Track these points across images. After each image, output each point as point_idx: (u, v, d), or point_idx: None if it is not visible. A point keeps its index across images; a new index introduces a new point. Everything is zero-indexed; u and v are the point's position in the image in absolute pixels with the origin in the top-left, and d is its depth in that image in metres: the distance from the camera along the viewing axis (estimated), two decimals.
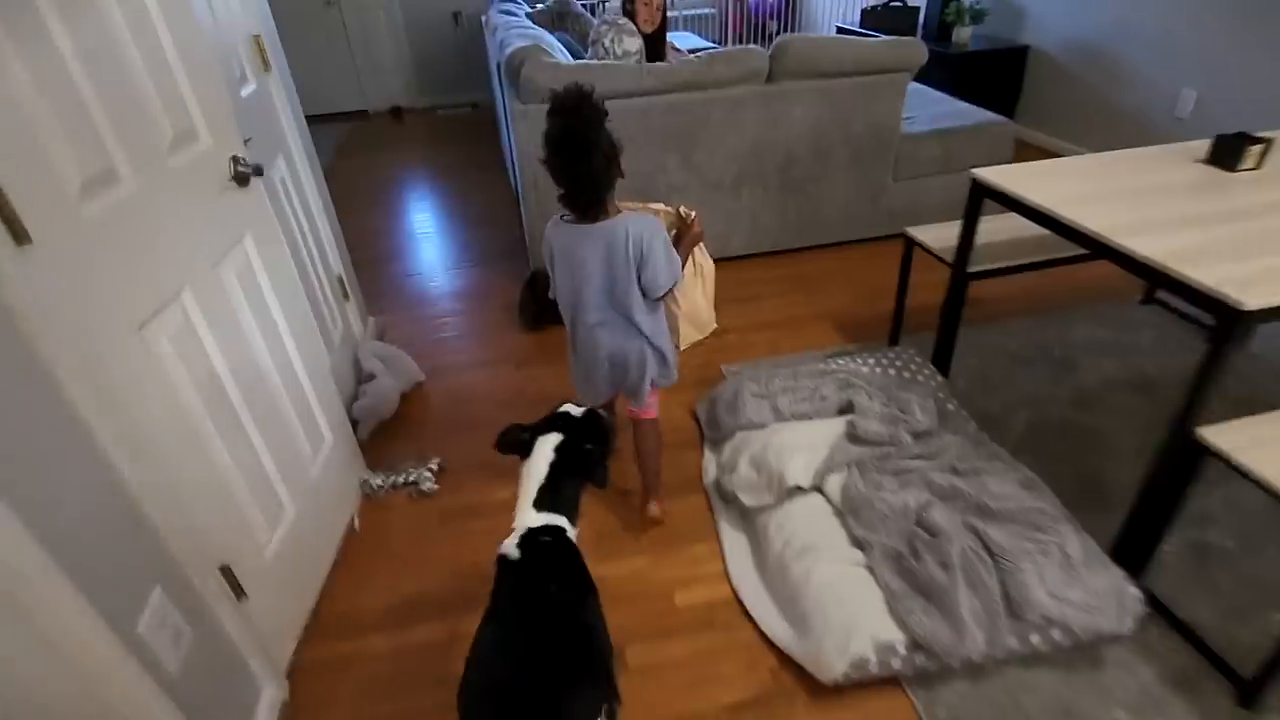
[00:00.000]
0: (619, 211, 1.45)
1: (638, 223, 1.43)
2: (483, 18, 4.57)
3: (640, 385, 1.61)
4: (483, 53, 5.02)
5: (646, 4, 2.99)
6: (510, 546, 1.11)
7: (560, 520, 1.15)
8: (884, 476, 1.67)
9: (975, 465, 1.69)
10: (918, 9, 4.92)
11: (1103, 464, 1.88)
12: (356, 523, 1.86)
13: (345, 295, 2.35)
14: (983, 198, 1.86)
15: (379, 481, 1.96)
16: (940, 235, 2.15)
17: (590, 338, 1.56)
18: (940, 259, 2.09)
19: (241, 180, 1.41)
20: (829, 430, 1.82)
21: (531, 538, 1.12)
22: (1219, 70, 3.17)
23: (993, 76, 4.28)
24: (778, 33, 7.03)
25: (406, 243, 3.53)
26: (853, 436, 1.79)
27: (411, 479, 1.97)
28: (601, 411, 1.33)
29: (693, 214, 1.71)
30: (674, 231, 1.67)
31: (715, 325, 2.28)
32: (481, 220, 3.71)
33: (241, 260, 1.43)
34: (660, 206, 1.75)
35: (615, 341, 1.55)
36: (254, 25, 1.89)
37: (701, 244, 1.81)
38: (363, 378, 2.26)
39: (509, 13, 4.39)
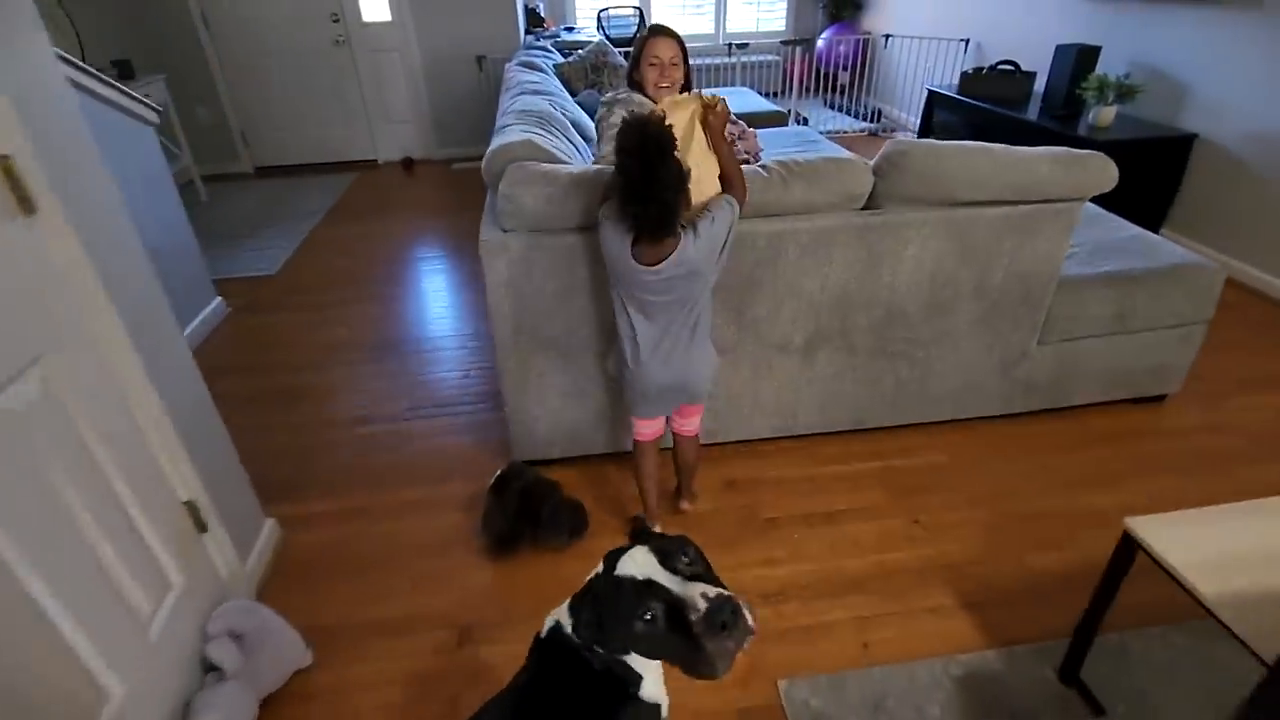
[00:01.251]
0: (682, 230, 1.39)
1: (703, 240, 1.40)
2: (506, 67, 3.80)
3: (700, 393, 1.65)
4: None
5: (654, 63, 1.98)
6: None
7: None
8: None
9: None
10: (1033, 76, 3.98)
11: None
12: None
13: (202, 527, 1.52)
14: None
15: None
16: (1190, 540, 1.20)
17: (657, 356, 1.53)
18: (1189, 590, 1.14)
19: None
20: None
21: None
22: None
23: (1142, 172, 3.31)
24: (851, 87, 6.16)
25: (355, 371, 2.71)
26: None
27: None
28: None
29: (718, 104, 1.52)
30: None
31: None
32: (465, 340, 2.87)
33: None
34: (682, 98, 1.55)
35: (683, 355, 1.54)
36: None
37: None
38: (205, 670, 1.43)
39: (532, 64, 3.61)
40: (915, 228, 1.80)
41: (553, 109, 2.47)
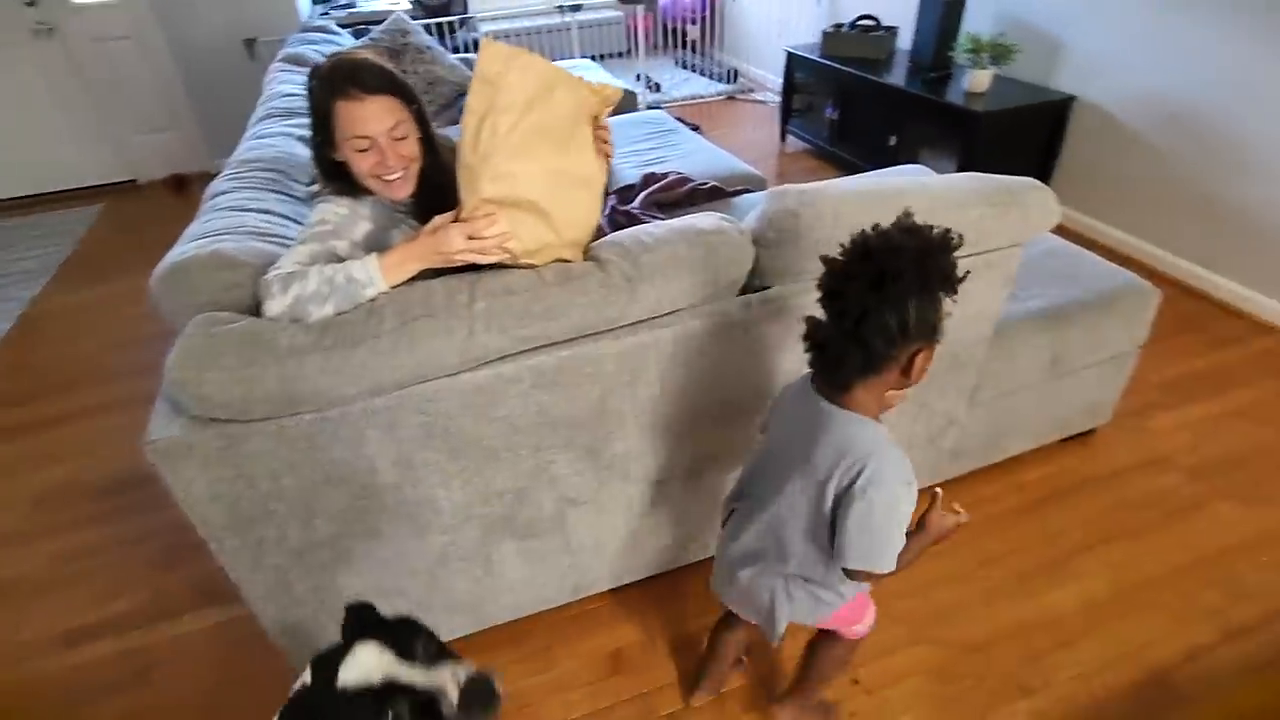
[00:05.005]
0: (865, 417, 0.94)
1: (873, 456, 0.92)
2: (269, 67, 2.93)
3: (770, 624, 1.09)
4: None
5: (363, 147, 1.19)
6: None
7: None
8: None
9: None
10: (895, 31, 3.60)
11: None
12: None
13: None
14: None
15: None
16: None
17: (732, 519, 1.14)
18: None
19: None
20: None
21: None
22: None
23: (1022, 140, 3.02)
24: (702, 41, 5.61)
25: (73, 540, 1.92)
26: None
27: None
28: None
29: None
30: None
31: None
32: None
33: None
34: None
35: (748, 548, 1.08)
36: None
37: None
38: None
39: (302, 59, 2.77)
40: (815, 307, 1.30)
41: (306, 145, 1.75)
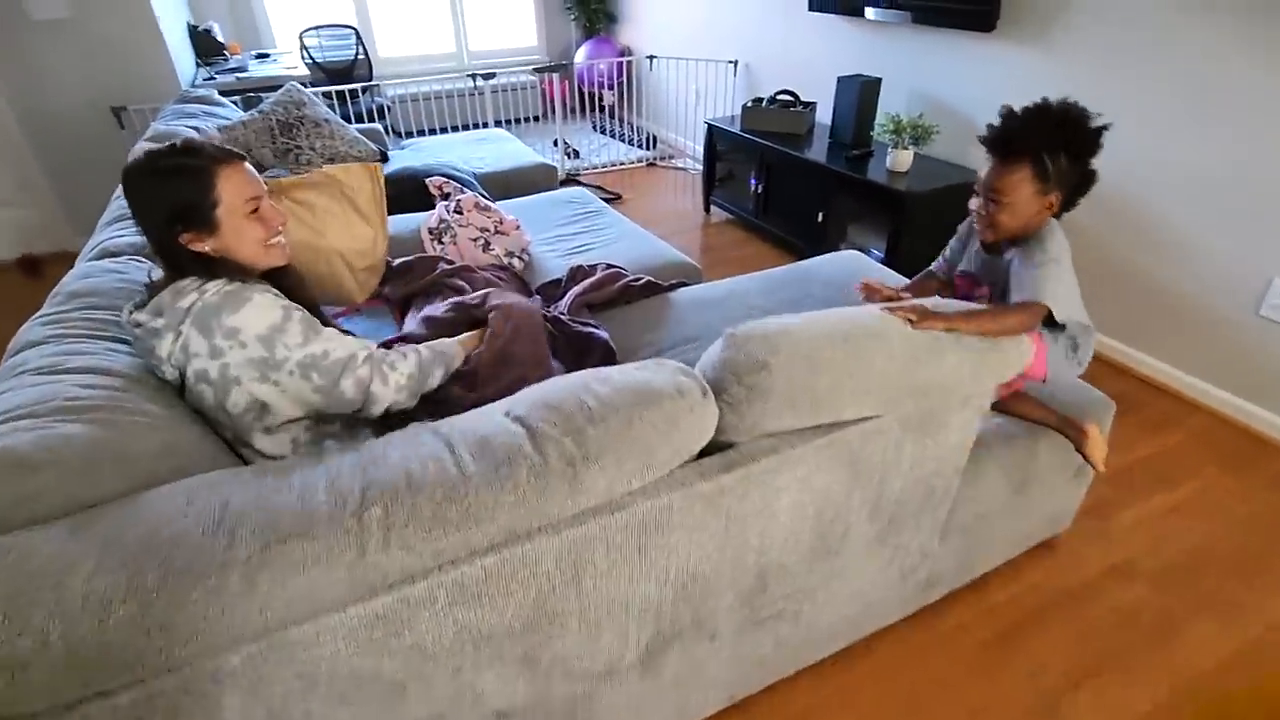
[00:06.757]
0: None
1: None
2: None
3: None
4: None
5: (254, 206, 1.13)
6: None
7: None
8: None
9: None
10: (813, 107, 3.62)
11: None
12: None
13: None
14: None
15: None
16: None
17: None
18: None
19: None
20: None
21: None
22: None
23: (946, 217, 3.02)
24: (620, 107, 5.56)
25: None
26: None
27: None
28: None
29: None
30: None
31: None
32: None
33: None
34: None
35: None
36: None
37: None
38: None
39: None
40: (790, 468, 1.12)
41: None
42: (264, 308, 1.08)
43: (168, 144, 1.10)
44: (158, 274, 1.14)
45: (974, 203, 1.48)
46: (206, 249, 1.09)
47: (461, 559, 0.89)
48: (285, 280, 1.21)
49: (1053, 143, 1.36)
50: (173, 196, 1.06)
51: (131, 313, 1.10)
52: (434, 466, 0.89)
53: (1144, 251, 2.51)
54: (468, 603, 0.92)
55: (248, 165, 1.14)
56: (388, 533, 0.83)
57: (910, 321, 1.16)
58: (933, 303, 1.25)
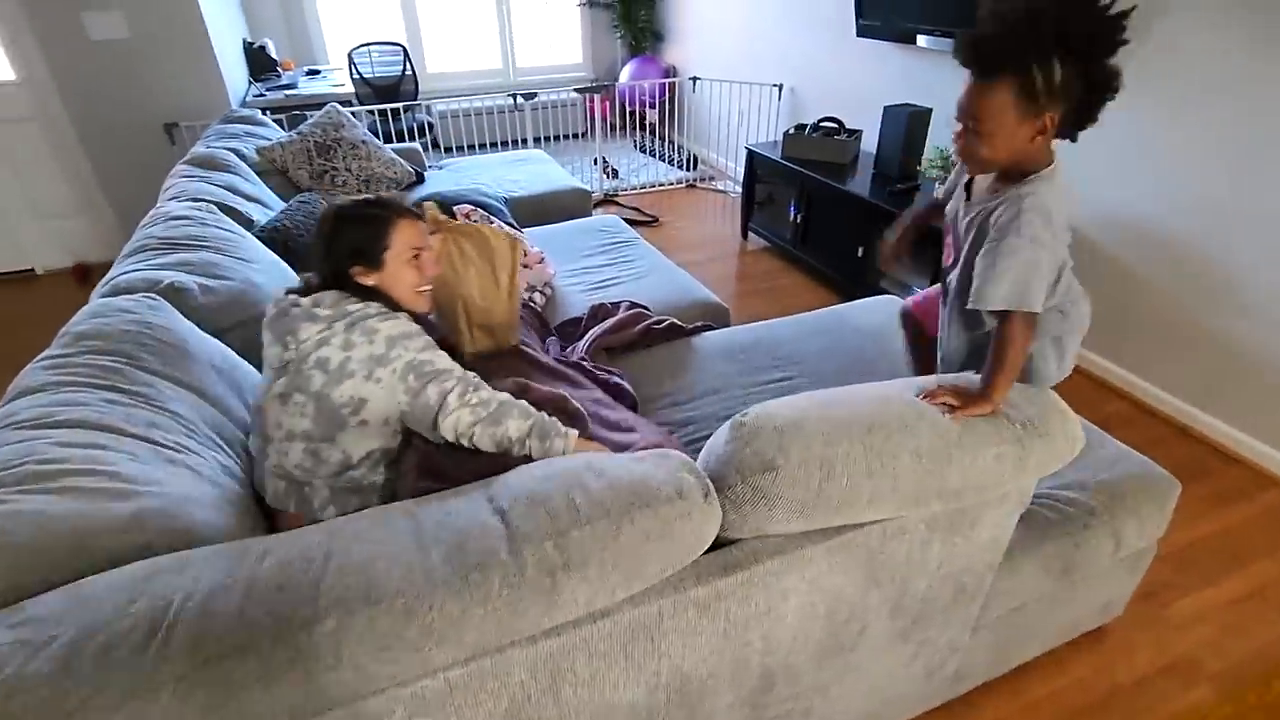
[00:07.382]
0: None
1: None
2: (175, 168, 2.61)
3: None
4: None
5: (417, 253, 1.32)
6: None
7: None
8: None
9: None
10: (858, 135, 3.48)
11: None
12: None
13: None
14: None
15: None
16: None
17: None
18: None
19: None
20: None
21: None
22: None
23: None
24: (661, 125, 5.49)
25: None
26: None
27: None
28: None
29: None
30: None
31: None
32: None
33: None
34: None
35: None
36: None
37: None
38: None
39: (212, 162, 2.46)
40: (798, 569, 1.01)
41: (169, 327, 1.41)
42: (404, 321, 1.24)
43: (363, 197, 1.32)
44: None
45: (955, 127, 1.18)
46: (370, 282, 1.28)
47: (422, 675, 0.81)
48: (419, 323, 1.34)
49: (1042, 47, 1.04)
50: (357, 236, 1.27)
51: (288, 293, 1.27)
52: (399, 569, 0.81)
53: (1219, 308, 2.30)
54: (430, 715, 0.85)
55: (421, 223, 1.34)
56: (338, 651, 0.76)
57: (950, 407, 1.04)
58: (966, 378, 1.13)
